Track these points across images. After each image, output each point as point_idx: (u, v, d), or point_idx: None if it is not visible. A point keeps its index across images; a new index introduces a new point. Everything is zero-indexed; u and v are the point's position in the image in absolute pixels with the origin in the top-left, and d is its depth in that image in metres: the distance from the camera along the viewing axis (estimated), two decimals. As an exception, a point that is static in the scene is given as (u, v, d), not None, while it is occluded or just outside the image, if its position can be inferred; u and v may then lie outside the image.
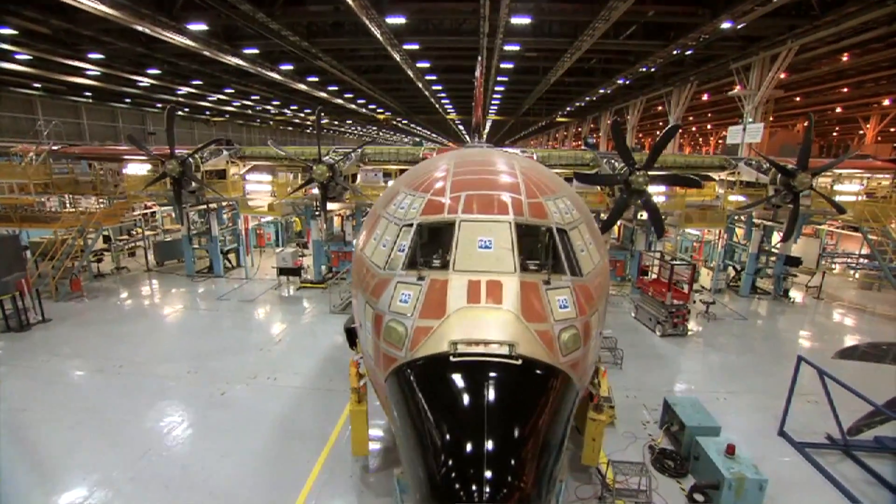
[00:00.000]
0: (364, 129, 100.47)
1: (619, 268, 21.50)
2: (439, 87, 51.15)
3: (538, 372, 5.17)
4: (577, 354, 5.74)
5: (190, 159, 19.72)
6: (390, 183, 25.76)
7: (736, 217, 22.46)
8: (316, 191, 19.35)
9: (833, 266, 25.70)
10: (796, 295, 22.54)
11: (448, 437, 4.47)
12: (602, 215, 22.14)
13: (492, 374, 4.89)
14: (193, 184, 20.08)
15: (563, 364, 5.45)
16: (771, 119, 44.22)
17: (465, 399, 4.76)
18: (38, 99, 47.88)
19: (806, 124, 20.14)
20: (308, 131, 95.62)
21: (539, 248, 6.69)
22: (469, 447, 4.30)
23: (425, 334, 5.44)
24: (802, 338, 17.93)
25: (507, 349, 5.09)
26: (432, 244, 6.71)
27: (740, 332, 17.72)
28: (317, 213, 21.49)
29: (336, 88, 48.79)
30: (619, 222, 21.39)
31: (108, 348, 15.14)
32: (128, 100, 53.06)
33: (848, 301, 21.93)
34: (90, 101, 51.72)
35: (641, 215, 20.52)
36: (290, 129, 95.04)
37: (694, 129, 77.79)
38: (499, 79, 45.02)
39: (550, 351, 5.41)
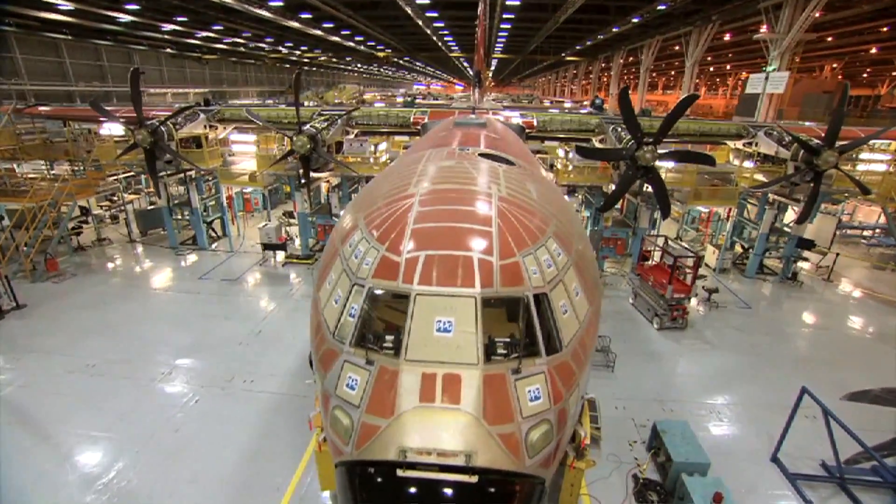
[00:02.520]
0: (365, 67, 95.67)
1: (620, 246, 20.40)
2: (441, 25, 47.67)
3: (498, 484, 4.59)
4: (549, 449, 5.13)
5: (162, 128, 18.24)
6: (382, 146, 24.42)
7: (749, 194, 20.99)
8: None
9: (847, 236, 24.39)
10: (804, 265, 21.48)
11: None
12: (608, 186, 20.87)
13: (443, 492, 4.40)
14: (167, 154, 18.76)
15: (529, 467, 4.84)
16: (797, 60, 40.88)
17: None
18: (14, 35, 44.79)
19: (840, 81, 18.10)
20: (307, 69, 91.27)
21: (511, 316, 5.81)
22: None
23: (372, 434, 4.83)
24: (807, 333, 16.92)
25: (463, 460, 4.49)
26: (386, 299, 5.92)
27: (743, 324, 16.73)
28: (302, 181, 20.25)
29: (332, 25, 45.64)
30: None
31: (82, 343, 14.62)
32: (109, 37, 49.88)
33: (859, 285, 20.69)
34: (70, 38, 48.53)
35: (647, 187, 19.23)
36: (287, 66, 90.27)
37: (711, 69, 72.97)
38: (504, 16, 41.74)
39: (515, 457, 4.78)
